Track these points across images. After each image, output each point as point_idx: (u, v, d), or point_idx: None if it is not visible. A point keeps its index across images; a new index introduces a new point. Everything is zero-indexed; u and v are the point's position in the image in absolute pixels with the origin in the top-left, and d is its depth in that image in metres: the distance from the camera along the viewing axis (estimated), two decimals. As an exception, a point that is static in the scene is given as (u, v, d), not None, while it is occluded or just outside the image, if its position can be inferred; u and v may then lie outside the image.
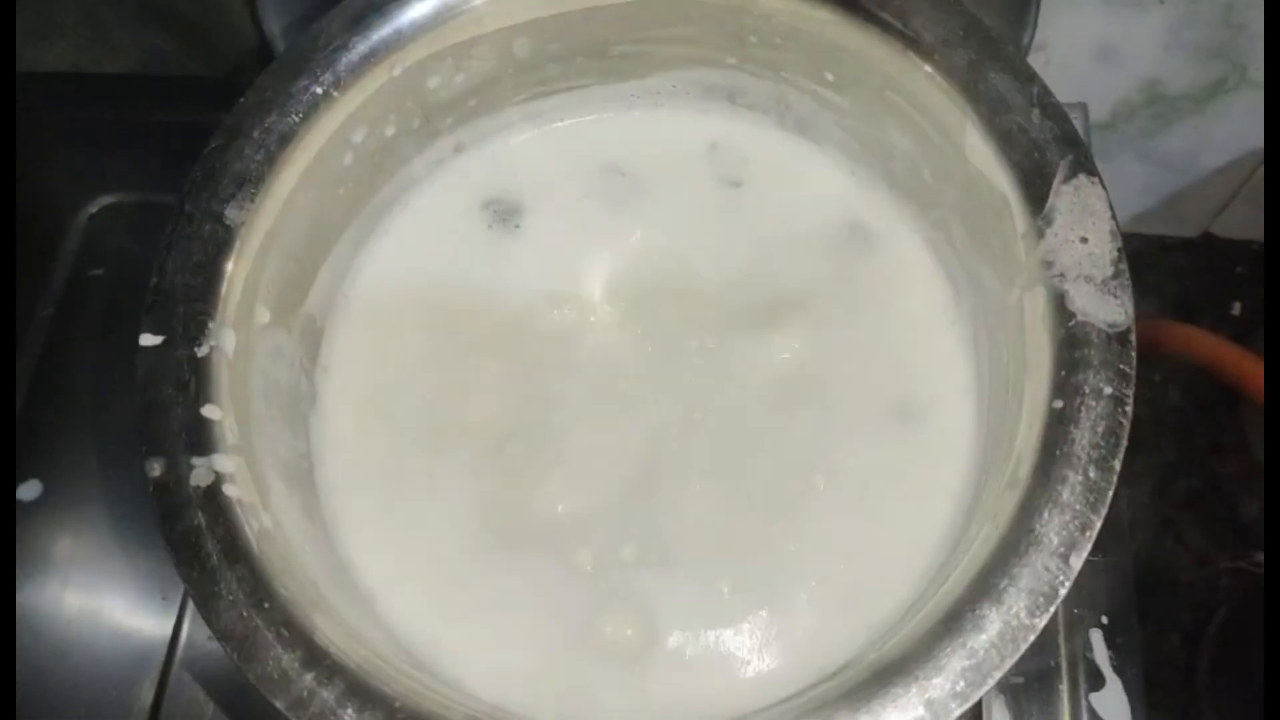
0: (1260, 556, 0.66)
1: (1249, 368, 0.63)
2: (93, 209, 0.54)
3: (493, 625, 0.34)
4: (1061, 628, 0.42)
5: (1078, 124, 0.33)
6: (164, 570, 0.46)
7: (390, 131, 0.37)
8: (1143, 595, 0.44)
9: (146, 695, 0.43)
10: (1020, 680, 0.41)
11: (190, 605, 0.44)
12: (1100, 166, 0.32)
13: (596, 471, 0.37)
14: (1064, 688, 0.41)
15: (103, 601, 0.46)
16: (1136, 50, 0.59)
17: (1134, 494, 0.69)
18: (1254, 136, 0.66)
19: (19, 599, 0.45)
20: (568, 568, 0.34)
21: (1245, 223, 0.74)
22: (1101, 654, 0.42)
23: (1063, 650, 0.42)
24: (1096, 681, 0.42)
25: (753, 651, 0.33)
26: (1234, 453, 0.71)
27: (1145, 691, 0.41)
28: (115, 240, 0.54)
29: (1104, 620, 0.43)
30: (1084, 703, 0.41)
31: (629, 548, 0.35)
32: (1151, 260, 0.77)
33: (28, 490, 0.48)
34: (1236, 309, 0.76)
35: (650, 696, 0.32)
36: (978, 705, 0.41)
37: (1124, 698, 0.41)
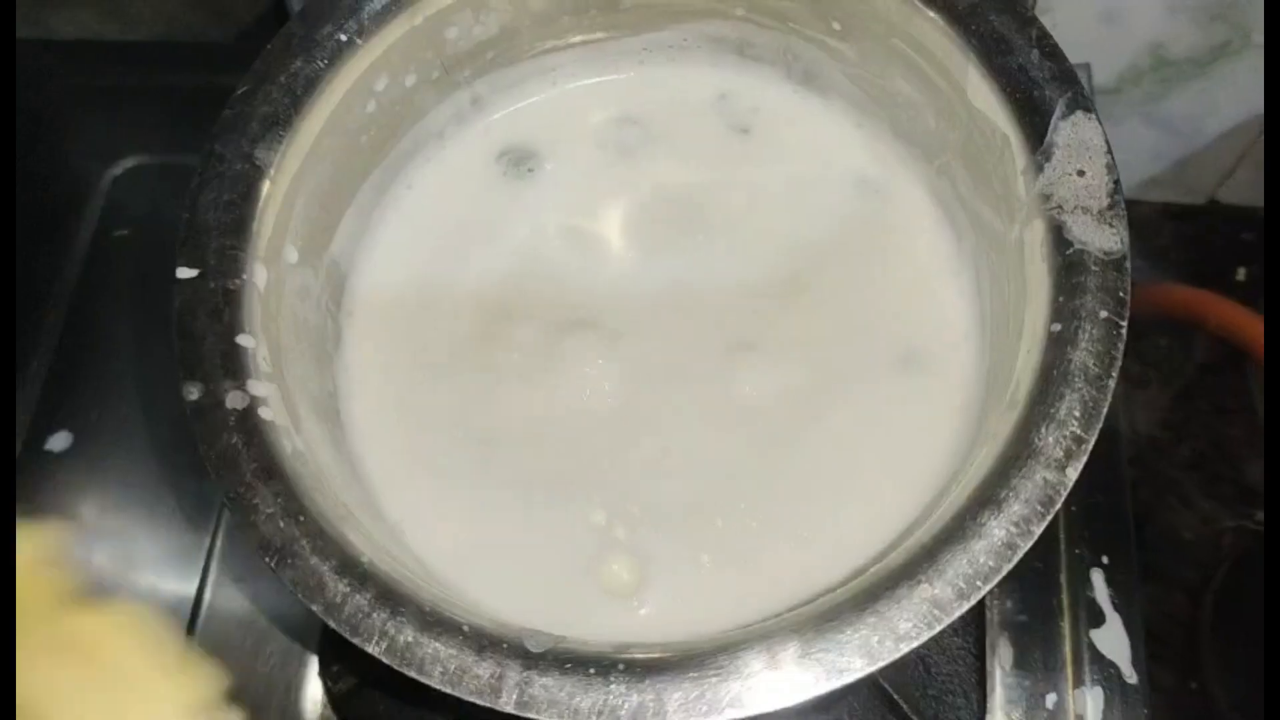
0: (1263, 515, 0.67)
1: (1255, 330, 0.63)
2: (117, 171, 0.56)
3: (508, 558, 0.36)
4: (1063, 567, 0.44)
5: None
6: (189, 527, 0.47)
7: (410, 81, 0.39)
8: (1146, 552, 0.46)
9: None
10: (1024, 618, 0.42)
11: (212, 566, 0.45)
12: (1106, 132, 0.33)
13: (611, 411, 0.38)
14: (1065, 625, 0.43)
15: (128, 555, 0.48)
16: (1140, 13, 0.60)
17: (1138, 454, 0.70)
18: (1258, 100, 0.66)
19: (48, 552, 0.47)
20: (582, 514, 0.36)
21: (1250, 188, 0.75)
22: (1102, 592, 0.43)
23: (1064, 589, 0.43)
24: (1097, 619, 0.43)
25: (749, 582, 0.34)
26: (1239, 414, 0.72)
27: (1145, 628, 0.43)
28: (139, 201, 0.55)
29: (1104, 560, 0.44)
30: (1085, 639, 0.42)
31: (637, 497, 0.36)
32: (1157, 227, 0.77)
33: (58, 441, 0.49)
34: (1242, 274, 0.77)
35: (650, 622, 0.34)
36: (982, 643, 0.42)
37: (1123, 634, 0.43)
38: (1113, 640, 0.43)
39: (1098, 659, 0.42)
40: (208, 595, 0.45)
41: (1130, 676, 0.41)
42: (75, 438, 0.50)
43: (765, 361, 0.38)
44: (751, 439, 0.37)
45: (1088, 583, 0.44)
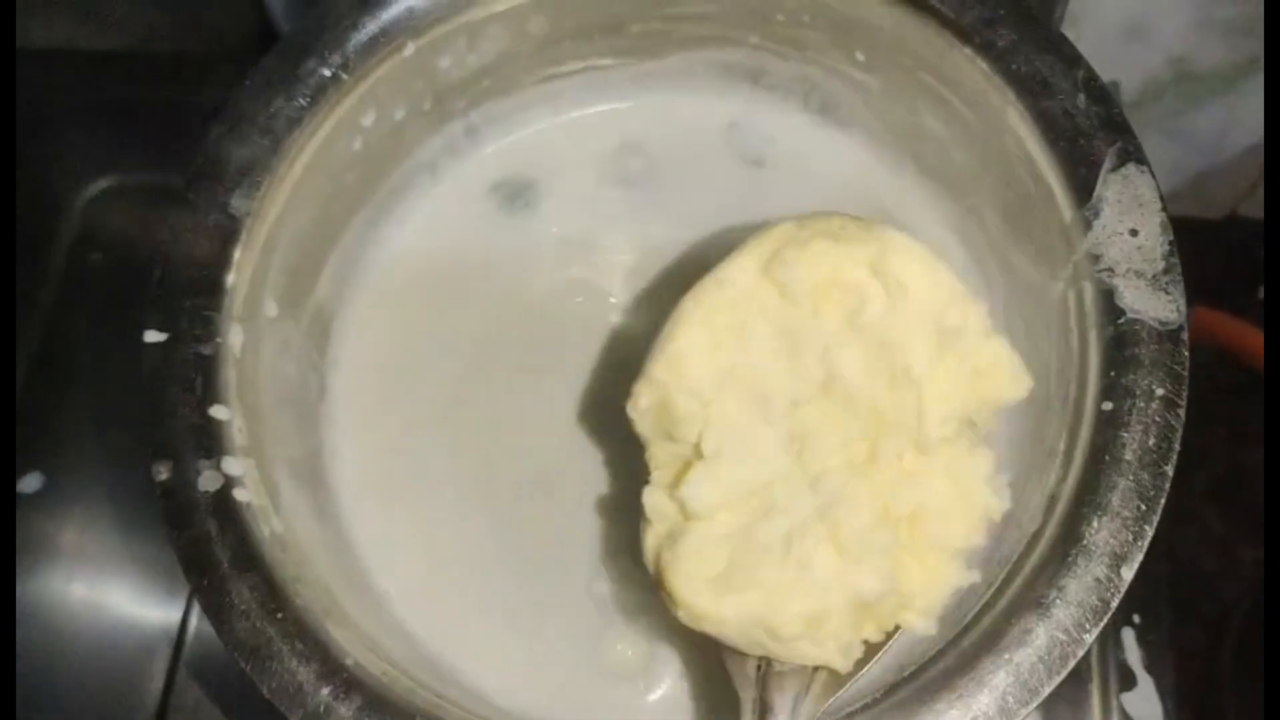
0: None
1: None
2: (91, 192, 0.53)
3: (506, 629, 0.33)
4: (1092, 626, 0.42)
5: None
6: (169, 562, 0.45)
7: (400, 114, 0.36)
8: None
9: (155, 688, 0.43)
10: (1049, 680, 0.40)
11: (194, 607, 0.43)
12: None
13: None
14: (1095, 688, 0.40)
15: (108, 594, 0.46)
16: (1167, 27, 0.58)
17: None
18: (1285, 115, 0.64)
19: (21, 593, 0.44)
20: (585, 582, 0.33)
21: (1272, 203, 0.73)
22: (1133, 653, 0.41)
23: (1093, 650, 0.41)
24: (1128, 682, 0.41)
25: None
26: (1257, 441, 0.69)
27: (1178, 691, 0.41)
28: (115, 224, 0.53)
29: (1135, 619, 0.42)
30: (1115, 703, 0.40)
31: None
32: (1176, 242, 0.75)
33: (29, 483, 0.47)
34: (1261, 293, 0.74)
35: (660, 708, 0.31)
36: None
37: (1156, 698, 0.40)
38: (1145, 705, 0.41)
39: (1129, 724, 0.40)
40: (193, 622, 0.43)
41: (1163, 744, 0.39)
42: (47, 478, 0.47)
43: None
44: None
45: (1118, 643, 0.41)
